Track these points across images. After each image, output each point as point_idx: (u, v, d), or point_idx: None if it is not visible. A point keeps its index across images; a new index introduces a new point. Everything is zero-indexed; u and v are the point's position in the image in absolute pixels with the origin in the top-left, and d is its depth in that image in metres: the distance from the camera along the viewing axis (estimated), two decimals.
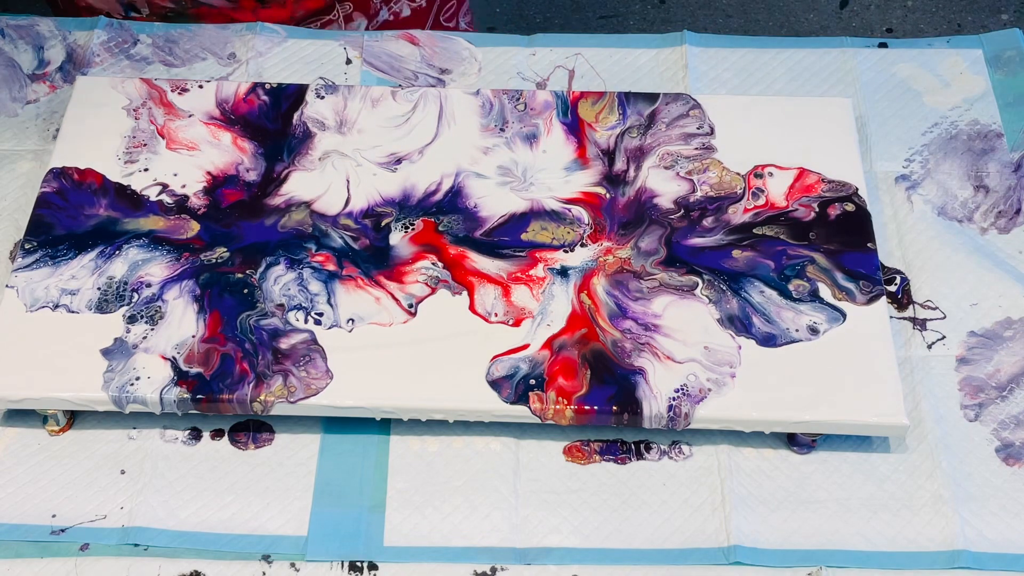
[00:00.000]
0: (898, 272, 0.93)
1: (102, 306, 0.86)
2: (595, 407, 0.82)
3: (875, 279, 0.88)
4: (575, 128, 0.97)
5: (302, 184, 0.94)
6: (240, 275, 0.88)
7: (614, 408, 0.82)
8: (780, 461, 0.85)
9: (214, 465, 0.85)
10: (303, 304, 0.87)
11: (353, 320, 0.86)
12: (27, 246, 0.90)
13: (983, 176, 0.99)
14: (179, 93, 0.99)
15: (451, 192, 0.94)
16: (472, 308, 0.87)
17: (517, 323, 0.86)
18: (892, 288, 0.92)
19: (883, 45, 1.07)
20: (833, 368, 0.84)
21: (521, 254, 0.90)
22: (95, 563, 0.80)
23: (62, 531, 0.81)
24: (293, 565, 0.80)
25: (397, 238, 0.91)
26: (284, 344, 0.85)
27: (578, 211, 0.92)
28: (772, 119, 0.98)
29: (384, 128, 0.97)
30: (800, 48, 1.07)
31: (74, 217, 0.91)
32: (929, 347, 0.90)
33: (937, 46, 1.07)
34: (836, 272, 0.89)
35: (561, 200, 0.93)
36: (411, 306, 0.87)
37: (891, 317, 0.89)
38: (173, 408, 0.83)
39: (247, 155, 0.96)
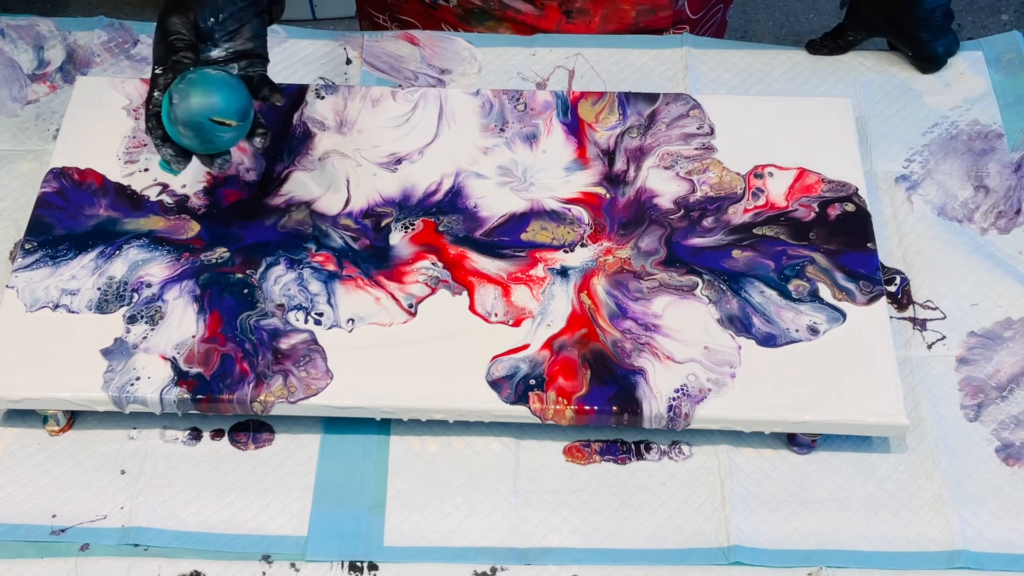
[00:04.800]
0: (898, 272, 0.93)
1: (102, 306, 0.86)
2: (595, 407, 0.82)
3: (875, 279, 0.88)
4: (575, 128, 0.97)
5: (302, 184, 0.94)
6: (240, 275, 0.88)
7: (614, 408, 0.82)
8: (780, 461, 0.85)
9: (214, 465, 0.85)
10: (303, 304, 0.87)
11: (353, 320, 0.86)
12: (27, 246, 0.90)
13: (983, 176, 0.99)
14: None
15: (451, 192, 0.94)
16: (472, 308, 0.87)
17: (517, 323, 0.86)
18: (892, 288, 0.92)
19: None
20: (833, 368, 0.84)
21: (521, 254, 0.90)
22: (95, 563, 0.80)
23: (62, 531, 0.81)
24: (293, 565, 0.80)
25: (397, 238, 0.91)
26: (284, 344, 0.85)
27: (578, 211, 0.92)
28: (772, 119, 0.98)
29: (384, 128, 0.97)
30: (800, 48, 1.07)
31: (74, 217, 0.91)
32: (929, 347, 0.90)
33: None
34: (836, 272, 0.89)
35: (561, 200, 0.93)
36: (411, 306, 0.87)
37: (891, 317, 0.89)
38: (173, 408, 0.83)
39: (247, 155, 0.96)
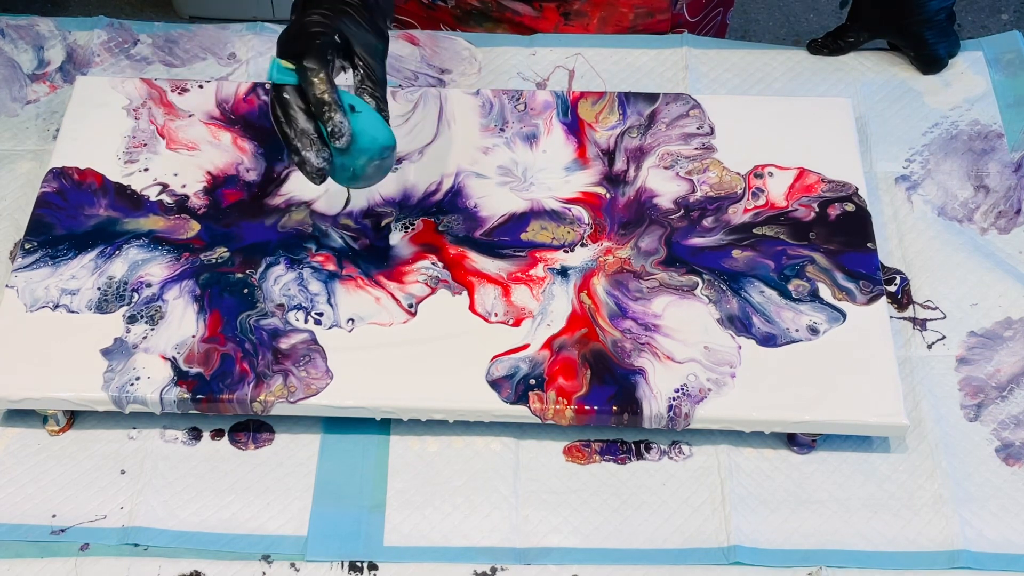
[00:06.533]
0: (898, 272, 0.93)
1: (102, 306, 0.86)
2: (595, 407, 0.82)
3: (875, 279, 0.88)
4: (575, 128, 0.97)
5: (302, 184, 0.94)
6: (240, 275, 0.88)
7: (614, 408, 0.82)
8: (780, 461, 0.85)
9: (214, 465, 0.85)
10: (303, 304, 0.87)
11: (353, 320, 0.86)
12: (27, 246, 0.90)
13: (983, 176, 0.99)
14: (179, 93, 0.99)
15: (451, 192, 0.94)
16: (472, 308, 0.87)
17: (517, 323, 0.86)
18: (892, 288, 0.92)
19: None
20: (833, 368, 0.84)
21: (521, 254, 0.90)
22: (95, 563, 0.80)
23: (62, 531, 0.81)
24: (293, 565, 0.80)
25: (397, 238, 0.91)
26: (284, 344, 0.85)
27: (578, 211, 0.92)
28: (772, 119, 0.98)
29: None
30: (800, 48, 1.07)
31: (74, 217, 0.91)
32: (929, 347, 0.90)
33: None
34: (836, 272, 0.89)
35: (561, 200, 0.93)
36: (411, 306, 0.87)
37: (891, 317, 0.89)
38: (173, 408, 0.83)
39: (247, 155, 0.96)
